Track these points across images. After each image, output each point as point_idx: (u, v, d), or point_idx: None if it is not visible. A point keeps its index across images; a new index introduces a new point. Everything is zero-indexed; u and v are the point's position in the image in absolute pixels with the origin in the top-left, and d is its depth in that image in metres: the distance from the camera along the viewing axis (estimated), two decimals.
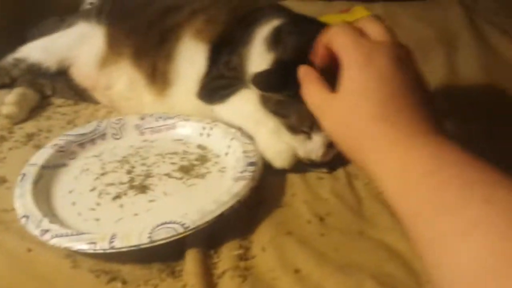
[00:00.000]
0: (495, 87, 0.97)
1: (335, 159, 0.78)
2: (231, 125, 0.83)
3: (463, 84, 1.00)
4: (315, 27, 0.80)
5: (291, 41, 0.76)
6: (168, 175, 0.77)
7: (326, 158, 0.76)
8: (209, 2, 0.93)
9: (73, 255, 0.63)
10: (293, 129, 0.75)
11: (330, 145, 0.74)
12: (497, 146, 0.80)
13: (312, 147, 0.75)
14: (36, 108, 0.98)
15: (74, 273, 0.62)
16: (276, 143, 0.74)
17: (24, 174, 0.74)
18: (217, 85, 0.83)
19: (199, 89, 0.85)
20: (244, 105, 0.80)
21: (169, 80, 0.89)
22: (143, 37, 0.93)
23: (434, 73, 1.02)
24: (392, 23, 1.25)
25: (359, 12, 1.27)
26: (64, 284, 0.60)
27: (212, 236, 0.66)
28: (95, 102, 1.01)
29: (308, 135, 0.74)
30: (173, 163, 0.80)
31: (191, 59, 0.87)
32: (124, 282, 0.60)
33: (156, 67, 0.90)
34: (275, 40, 0.78)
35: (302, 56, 0.66)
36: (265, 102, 0.77)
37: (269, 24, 0.82)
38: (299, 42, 0.75)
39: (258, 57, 0.79)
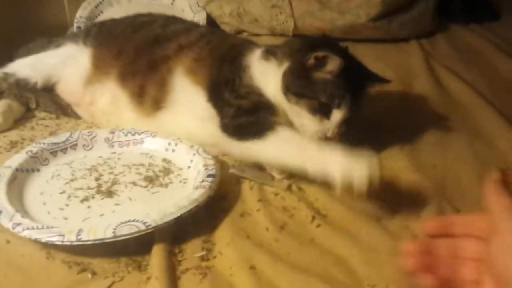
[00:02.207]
0: (444, 123, 1.07)
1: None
2: (264, 161, 0.87)
3: (415, 118, 1.10)
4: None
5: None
6: (133, 183, 0.84)
7: (337, 136, 0.86)
8: (193, 39, 1.01)
9: (48, 248, 0.69)
10: (314, 110, 0.85)
11: (341, 124, 0.86)
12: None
13: (330, 125, 0.86)
14: (20, 120, 1.05)
15: (49, 263, 0.68)
16: (357, 162, 0.74)
17: None
18: (243, 122, 0.88)
19: (224, 129, 0.89)
20: (300, 140, 0.84)
21: (162, 106, 0.96)
22: (131, 61, 1.02)
23: (391, 107, 1.11)
24: None
25: None
26: (39, 273, 0.66)
27: (177, 237, 0.73)
28: (76, 117, 1.08)
29: (327, 115, 0.85)
30: (139, 173, 0.87)
31: (191, 99, 0.94)
32: (93, 273, 0.66)
33: (144, 90, 0.98)
34: (271, 53, 0.93)
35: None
36: (290, 86, 0.87)
37: (253, 51, 0.96)
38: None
39: (261, 68, 0.92)
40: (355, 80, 0.87)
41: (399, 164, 0.92)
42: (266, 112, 0.89)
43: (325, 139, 0.86)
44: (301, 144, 0.83)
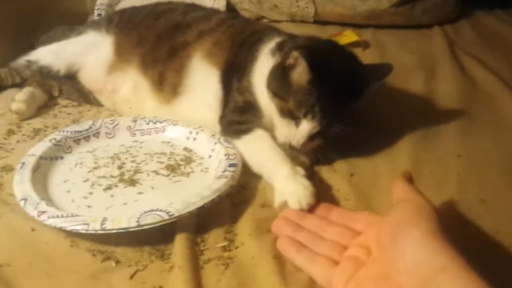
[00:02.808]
0: (468, 111, 1.05)
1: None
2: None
3: (439, 106, 1.08)
4: (315, 38, 0.94)
5: (297, 40, 0.88)
6: (155, 172, 0.84)
7: (305, 148, 0.83)
8: (214, 25, 1.02)
9: (72, 236, 0.70)
10: (283, 113, 0.83)
11: (311, 138, 0.82)
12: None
13: (296, 133, 0.82)
14: (43, 107, 1.05)
15: (73, 251, 0.69)
16: (293, 186, 0.75)
17: (23, 163, 0.81)
18: (233, 119, 0.90)
19: (220, 118, 0.92)
20: (259, 148, 0.85)
21: (178, 91, 0.97)
22: (151, 48, 1.02)
23: (413, 95, 1.10)
24: (379, 48, 1.35)
25: (349, 36, 1.36)
26: (63, 260, 0.67)
27: (199, 227, 0.73)
28: (98, 105, 1.09)
29: (296, 122, 0.82)
30: (160, 162, 0.87)
31: (204, 80, 0.95)
32: (117, 262, 0.67)
33: (164, 77, 0.99)
34: (279, 47, 0.89)
35: None
36: (274, 81, 0.84)
37: (272, 40, 0.93)
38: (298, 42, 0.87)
39: (264, 65, 0.88)
40: (334, 91, 0.80)
41: (422, 154, 0.91)
42: (253, 113, 0.88)
43: (289, 147, 0.82)
44: (262, 152, 0.84)
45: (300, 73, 0.80)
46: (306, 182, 0.76)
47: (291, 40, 0.91)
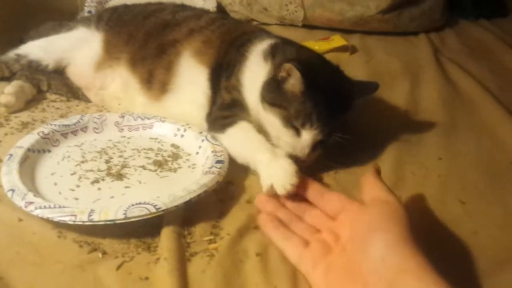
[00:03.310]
0: (451, 116, 1.08)
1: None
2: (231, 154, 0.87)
3: (422, 111, 1.11)
4: (304, 49, 0.95)
5: (285, 53, 0.89)
6: (143, 167, 0.85)
7: (309, 158, 0.84)
8: (204, 23, 1.03)
9: (59, 227, 0.71)
10: (287, 122, 0.83)
11: (314, 147, 0.83)
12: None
13: (299, 144, 0.83)
14: (31, 101, 1.05)
15: (60, 242, 0.69)
16: (275, 170, 0.77)
17: (11, 155, 0.81)
18: (219, 115, 0.92)
19: (207, 116, 0.94)
20: (241, 138, 0.87)
21: (167, 89, 0.98)
22: (141, 46, 1.03)
23: (398, 100, 1.13)
24: (366, 54, 1.38)
25: (338, 41, 1.38)
26: (50, 251, 0.68)
27: (186, 222, 0.74)
28: (86, 100, 1.09)
29: (298, 133, 0.83)
30: (148, 157, 0.88)
31: (193, 78, 0.96)
32: (104, 253, 0.68)
33: (153, 74, 0.99)
34: (272, 52, 0.90)
35: None
36: (269, 93, 0.85)
37: (263, 42, 0.94)
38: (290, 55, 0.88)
39: (254, 67, 0.90)
40: (329, 101, 0.81)
41: (405, 156, 0.93)
42: (240, 109, 0.90)
43: (296, 160, 0.81)
44: (244, 142, 0.86)
45: (293, 84, 0.81)
46: (286, 164, 0.78)
47: (284, 49, 0.92)
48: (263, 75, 0.88)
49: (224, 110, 0.91)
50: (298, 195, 0.75)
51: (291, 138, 0.83)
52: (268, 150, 0.82)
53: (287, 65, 0.81)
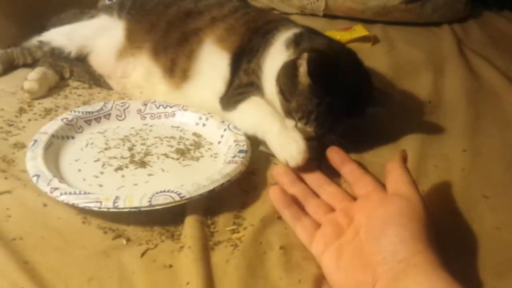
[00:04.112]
0: (475, 108, 1.06)
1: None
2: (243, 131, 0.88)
3: (445, 103, 1.09)
4: (336, 44, 0.94)
5: (312, 42, 0.89)
6: (165, 155, 0.85)
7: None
8: (227, 12, 1.03)
9: (84, 213, 0.71)
10: (288, 113, 0.84)
11: (311, 140, 0.83)
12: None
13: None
14: (54, 88, 1.06)
15: (84, 228, 0.70)
16: (285, 141, 0.79)
17: (35, 140, 0.82)
18: (234, 93, 0.92)
19: (222, 97, 0.94)
20: (252, 111, 0.88)
21: (188, 76, 0.98)
22: (163, 35, 1.03)
23: (421, 91, 1.11)
24: (388, 44, 1.36)
25: (359, 31, 1.37)
26: (75, 236, 0.68)
27: (209, 211, 0.74)
28: (108, 88, 1.09)
29: (296, 122, 0.83)
30: (170, 146, 0.88)
31: (214, 63, 0.96)
32: (128, 240, 0.68)
33: (175, 63, 0.99)
34: (296, 41, 0.90)
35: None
36: (279, 77, 0.85)
37: (289, 31, 0.94)
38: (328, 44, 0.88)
39: (276, 54, 0.89)
40: (335, 104, 0.80)
41: (428, 149, 0.92)
42: (256, 90, 0.90)
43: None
44: (254, 113, 0.87)
45: (302, 75, 0.81)
46: (297, 136, 0.79)
47: (310, 38, 0.91)
48: (283, 62, 0.87)
49: (239, 89, 0.92)
50: (316, 168, 0.77)
51: (292, 124, 0.84)
52: (278, 121, 0.83)
53: (305, 54, 0.80)
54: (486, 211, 0.78)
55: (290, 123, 0.83)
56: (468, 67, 1.24)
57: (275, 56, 0.90)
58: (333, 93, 0.81)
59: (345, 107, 0.82)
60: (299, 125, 0.83)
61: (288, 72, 0.84)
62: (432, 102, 1.08)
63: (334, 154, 0.79)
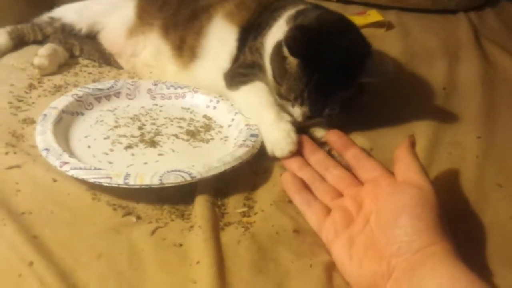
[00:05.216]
0: (490, 96, 1.05)
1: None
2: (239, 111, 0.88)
3: (460, 90, 1.07)
4: (328, 14, 0.91)
5: (310, 14, 0.87)
6: (175, 135, 0.84)
7: (307, 123, 0.85)
8: None
9: (94, 189, 0.71)
10: (280, 96, 0.84)
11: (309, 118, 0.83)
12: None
13: (294, 112, 0.83)
14: (64, 65, 1.05)
15: (94, 204, 0.69)
16: (276, 133, 0.79)
17: (45, 115, 0.81)
18: (238, 72, 0.91)
19: (226, 73, 0.93)
20: (252, 97, 0.87)
21: (196, 54, 0.97)
22: (174, 12, 1.01)
23: (436, 77, 1.09)
24: (402, 30, 1.34)
25: (374, 16, 1.34)
26: (85, 212, 0.68)
27: (219, 192, 0.73)
28: (118, 67, 1.08)
29: (292, 103, 0.83)
30: (180, 127, 0.87)
31: (221, 38, 0.95)
32: (138, 217, 0.68)
33: (184, 40, 0.98)
34: (295, 18, 0.88)
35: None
36: (272, 59, 0.85)
37: (294, 8, 0.91)
38: (317, 16, 0.86)
39: (277, 32, 0.87)
40: (326, 78, 0.79)
41: (442, 136, 0.90)
42: (259, 71, 0.88)
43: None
44: (254, 100, 0.86)
45: (287, 55, 0.79)
46: (288, 128, 0.79)
47: (305, 14, 0.89)
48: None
49: (244, 68, 0.90)
50: (320, 150, 0.77)
51: (287, 106, 0.84)
52: (274, 112, 0.82)
53: (286, 32, 0.79)
54: (500, 200, 0.76)
55: (286, 116, 0.82)
56: (484, 55, 1.22)
57: (276, 35, 0.88)
58: (320, 67, 0.79)
59: (336, 80, 0.80)
60: (296, 107, 0.82)
61: (277, 54, 0.83)
62: (446, 89, 1.06)
63: (336, 138, 0.77)
